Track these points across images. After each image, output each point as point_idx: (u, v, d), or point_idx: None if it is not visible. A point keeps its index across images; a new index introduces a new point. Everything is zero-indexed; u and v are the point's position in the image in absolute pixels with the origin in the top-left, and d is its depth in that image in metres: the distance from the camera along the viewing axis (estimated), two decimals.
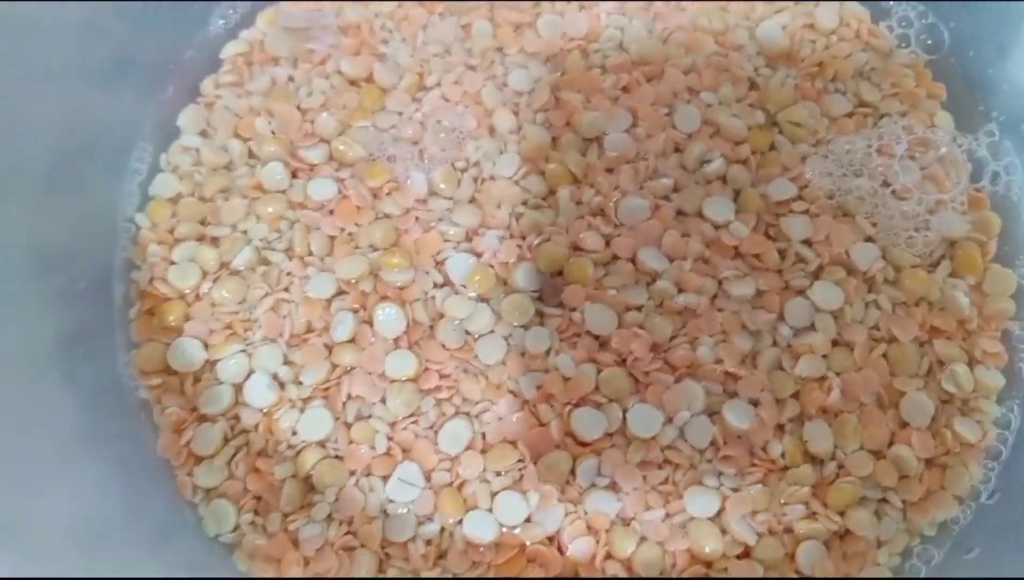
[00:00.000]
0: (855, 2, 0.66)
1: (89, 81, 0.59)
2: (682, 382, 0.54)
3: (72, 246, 0.57)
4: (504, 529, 0.51)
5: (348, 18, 0.66)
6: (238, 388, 0.55)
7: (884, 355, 0.55)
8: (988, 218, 0.59)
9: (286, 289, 0.57)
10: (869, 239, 0.58)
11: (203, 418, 0.55)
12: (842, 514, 0.52)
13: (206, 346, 0.56)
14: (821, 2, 0.66)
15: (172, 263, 0.58)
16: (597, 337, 0.55)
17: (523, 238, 0.58)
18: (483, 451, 0.53)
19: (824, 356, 0.55)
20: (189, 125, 0.63)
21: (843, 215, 0.59)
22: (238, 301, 0.57)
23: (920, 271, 0.57)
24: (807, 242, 0.58)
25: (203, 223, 0.60)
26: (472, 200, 0.60)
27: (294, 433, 0.54)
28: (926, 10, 0.64)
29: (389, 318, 0.55)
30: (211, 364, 0.56)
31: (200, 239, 0.59)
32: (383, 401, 0.54)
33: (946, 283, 0.57)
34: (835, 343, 0.55)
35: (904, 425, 0.54)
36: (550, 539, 0.52)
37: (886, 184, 0.59)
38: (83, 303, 0.56)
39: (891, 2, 0.66)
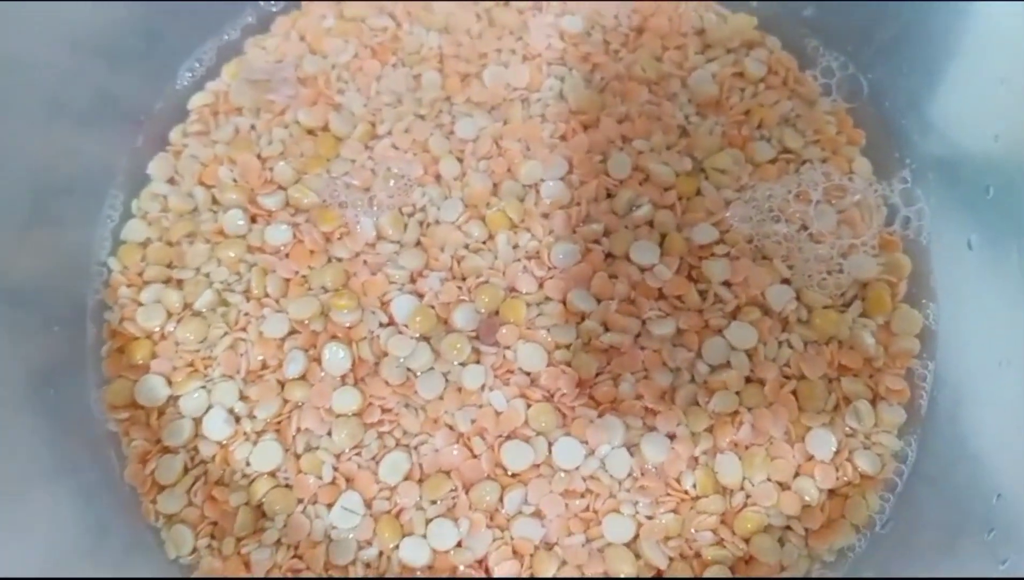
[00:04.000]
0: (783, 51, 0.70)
1: (66, 128, 0.64)
2: (605, 417, 0.59)
3: (47, 287, 0.62)
4: (436, 553, 0.56)
5: (306, 70, 0.70)
6: (198, 422, 0.60)
7: (793, 392, 0.59)
8: (899, 260, 0.63)
9: (243, 329, 0.62)
10: (785, 281, 0.62)
11: (166, 449, 0.60)
12: (747, 540, 0.56)
13: (170, 383, 0.61)
14: (752, 51, 0.70)
15: (140, 305, 0.63)
16: (528, 373, 0.60)
17: (463, 280, 0.63)
18: (420, 481, 0.58)
19: (737, 392, 0.59)
20: (158, 173, 0.68)
21: (762, 258, 0.63)
22: (199, 340, 0.62)
23: (831, 312, 0.61)
24: (727, 283, 0.62)
25: (169, 266, 0.64)
26: (417, 244, 0.64)
27: (248, 464, 0.59)
28: (847, 61, 0.68)
29: (336, 356, 0.60)
30: (174, 399, 0.61)
31: (166, 282, 0.64)
32: (329, 434, 0.59)
33: (856, 323, 0.61)
34: (748, 379, 0.59)
35: (809, 457, 0.58)
36: (479, 562, 0.57)
37: (804, 228, 0.63)
38: (58, 341, 0.61)
39: (815, 44, 0.69)
